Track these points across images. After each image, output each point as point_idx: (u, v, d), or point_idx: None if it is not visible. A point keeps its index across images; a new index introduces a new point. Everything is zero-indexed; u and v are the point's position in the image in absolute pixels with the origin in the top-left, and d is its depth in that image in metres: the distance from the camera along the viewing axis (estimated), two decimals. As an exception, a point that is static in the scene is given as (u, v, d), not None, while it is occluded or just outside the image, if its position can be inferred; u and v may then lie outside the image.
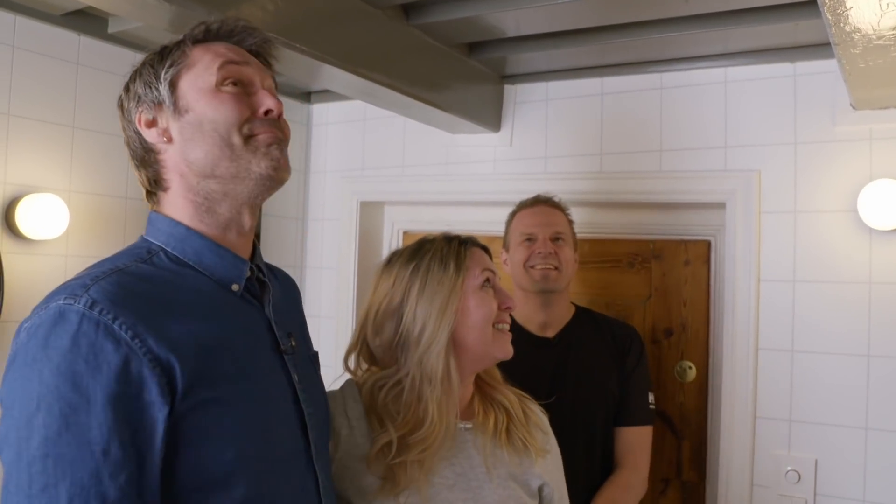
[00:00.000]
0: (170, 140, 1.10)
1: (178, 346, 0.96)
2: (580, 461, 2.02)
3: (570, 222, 2.17)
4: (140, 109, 1.11)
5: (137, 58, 1.18)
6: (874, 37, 1.45)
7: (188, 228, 1.10)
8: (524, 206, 2.18)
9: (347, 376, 1.53)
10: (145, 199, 1.17)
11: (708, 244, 2.37)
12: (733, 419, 2.17)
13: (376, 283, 1.47)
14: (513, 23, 2.13)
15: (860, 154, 2.02)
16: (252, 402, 1.04)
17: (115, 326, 0.92)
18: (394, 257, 1.49)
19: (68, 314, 0.92)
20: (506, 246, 2.19)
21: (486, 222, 2.73)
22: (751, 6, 1.88)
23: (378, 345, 1.44)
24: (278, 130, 1.12)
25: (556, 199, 2.18)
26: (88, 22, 2.21)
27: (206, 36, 1.14)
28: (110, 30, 2.25)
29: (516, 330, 2.14)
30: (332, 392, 1.44)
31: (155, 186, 1.13)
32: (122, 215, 2.34)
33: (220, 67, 1.11)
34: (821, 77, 2.08)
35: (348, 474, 1.35)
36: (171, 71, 1.11)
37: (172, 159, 1.10)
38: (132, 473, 0.90)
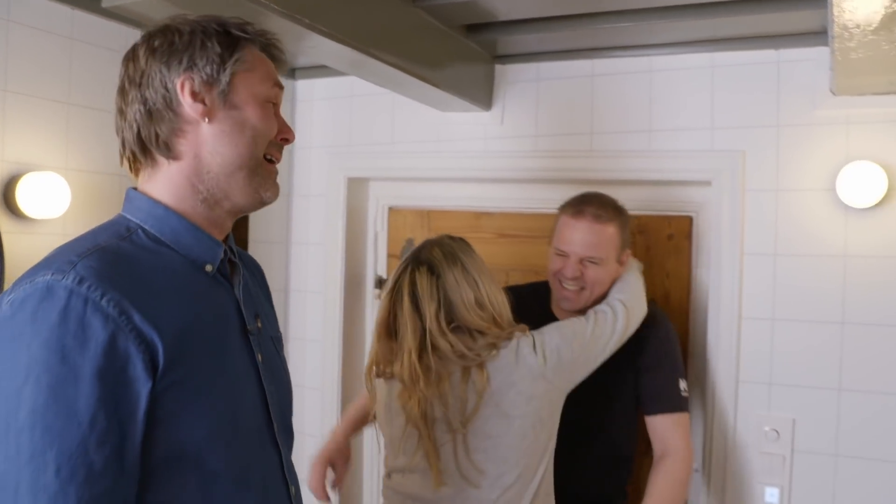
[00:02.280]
0: (210, 120, 1.10)
1: (159, 323, 0.98)
2: (598, 468, 2.18)
3: (620, 230, 2.09)
4: (188, 75, 1.10)
5: (131, 34, 1.20)
6: (870, 32, 1.56)
7: (167, 209, 1.11)
8: (568, 211, 2.12)
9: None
10: (125, 165, 1.19)
11: (690, 220, 2.49)
12: (716, 384, 2.31)
13: (457, 280, 1.80)
14: (504, 7, 2.19)
15: (838, 137, 2.15)
16: (223, 381, 1.08)
17: (103, 303, 0.94)
18: (443, 262, 1.83)
19: (56, 289, 0.94)
20: (550, 238, 2.18)
21: (473, 198, 2.81)
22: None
23: (481, 319, 1.80)
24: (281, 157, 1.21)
25: (605, 210, 2.09)
26: (83, -5, 2.19)
27: (262, 44, 1.20)
28: (104, 4, 2.22)
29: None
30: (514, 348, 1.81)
31: (159, 149, 1.12)
32: (120, 193, 2.31)
33: (273, 86, 1.19)
34: (802, 64, 2.20)
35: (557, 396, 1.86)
36: (237, 66, 1.13)
37: (199, 138, 1.11)
38: (116, 445, 0.93)
